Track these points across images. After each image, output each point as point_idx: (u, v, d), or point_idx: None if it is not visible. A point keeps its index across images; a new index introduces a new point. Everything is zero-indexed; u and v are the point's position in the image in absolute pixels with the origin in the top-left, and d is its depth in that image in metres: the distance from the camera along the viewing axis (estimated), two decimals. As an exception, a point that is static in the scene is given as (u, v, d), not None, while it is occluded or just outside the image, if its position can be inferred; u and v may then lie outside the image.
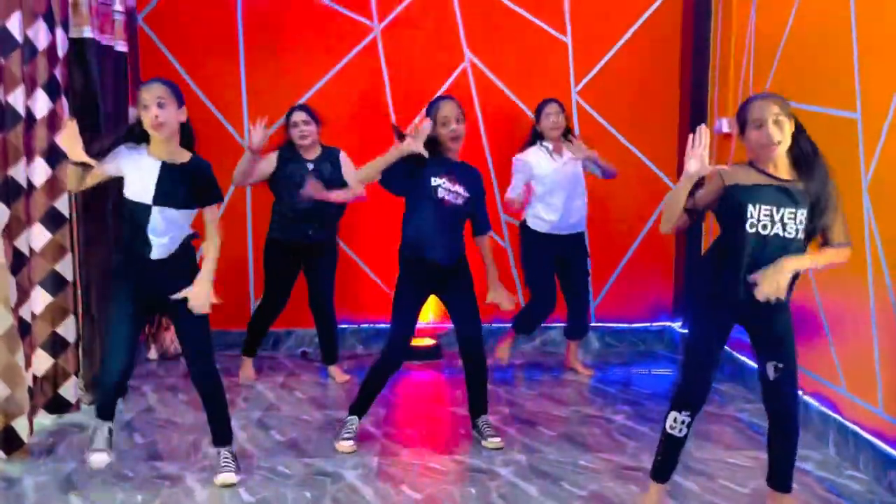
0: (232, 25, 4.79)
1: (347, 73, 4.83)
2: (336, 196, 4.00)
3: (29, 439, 3.21)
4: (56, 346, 3.53)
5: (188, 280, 2.85)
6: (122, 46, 4.15)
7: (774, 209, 2.42)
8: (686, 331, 2.68)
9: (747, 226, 2.42)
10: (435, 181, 3.20)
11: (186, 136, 2.86)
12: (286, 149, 4.13)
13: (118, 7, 4.07)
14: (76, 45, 3.73)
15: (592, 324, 5.02)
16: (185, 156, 2.84)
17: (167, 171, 2.77)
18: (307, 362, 4.70)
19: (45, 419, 3.55)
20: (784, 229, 2.42)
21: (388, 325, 3.38)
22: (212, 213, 2.89)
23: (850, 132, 3.12)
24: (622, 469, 3.10)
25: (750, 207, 2.42)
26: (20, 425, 3.16)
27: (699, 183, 2.48)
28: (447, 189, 3.21)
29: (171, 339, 4.76)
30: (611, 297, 5.04)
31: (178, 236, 2.85)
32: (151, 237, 2.77)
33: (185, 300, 2.81)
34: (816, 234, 2.47)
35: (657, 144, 4.92)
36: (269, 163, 4.09)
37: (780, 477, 2.66)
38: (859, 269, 3.06)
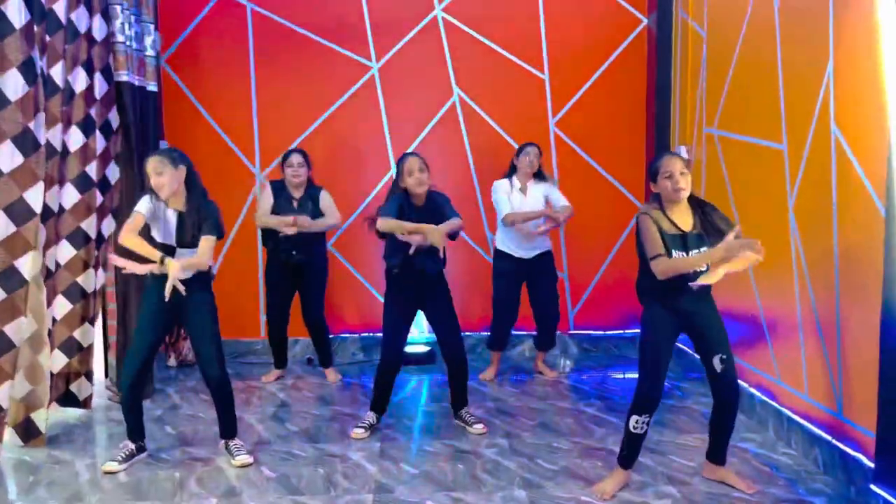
0: (244, 66, 5.35)
1: (349, 107, 5.40)
2: (312, 224, 4.58)
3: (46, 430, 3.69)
4: (72, 348, 4.05)
5: (204, 292, 3.43)
6: (153, 87, 4.70)
7: (684, 254, 2.97)
8: (640, 341, 3.19)
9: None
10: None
11: (191, 184, 3.39)
12: (277, 183, 4.68)
13: (150, 52, 4.63)
14: (118, 87, 4.28)
15: (571, 332, 5.57)
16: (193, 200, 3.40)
17: (182, 218, 3.36)
18: (313, 368, 5.20)
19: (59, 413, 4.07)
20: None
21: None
22: (206, 242, 3.36)
23: (778, 160, 3.68)
24: (589, 449, 3.62)
25: (673, 251, 2.96)
26: (39, 417, 3.66)
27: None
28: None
29: (188, 347, 5.26)
30: (588, 307, 5.58)
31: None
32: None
33: (199, 306, 3.38)
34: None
35: (626, 169, 5.49)
36: (269, 196, 4.65)
37: (719, 452, 3.19)
38: (788, 280, 3.60)
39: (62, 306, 3.98)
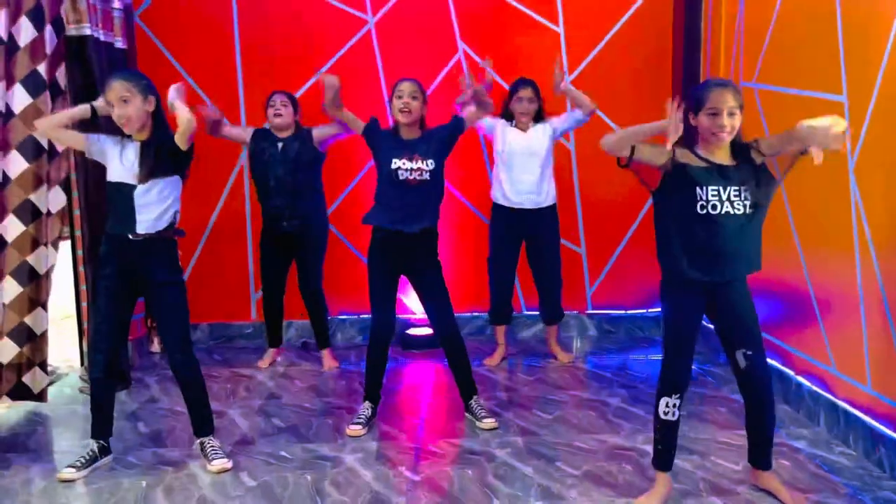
0: (227, 20, 4.84)
1: (342, 67, 4.87)
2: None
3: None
4: (23, 336, 3.60)
5: (167, 268, 2.95)
6: (121, 44, 4.20)
7: (721, 189, 2.47)
8: (662, 318, 2.71)
9: (697, 207, 2.47)
10: (395, 163, 3.27)
11: (159, 124, 2.92)
12: (261, 130, 4.25)
13: (116, 4, 4.13)
14: (76, 42, 3.79)
15: (588, 311, 5.10)
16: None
17: (145, 148, 2.88)
18: (308, 353, 4.76)
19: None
20: (732, 206, 2.47)
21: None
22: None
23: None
24: (616, 449, 3.16)
25: (698, 189, 2.46)
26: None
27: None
28: (408, 169, 3.27)
29: (172, 331, 4.82)
30: (607, 285, 5.10)
31: (163, 213, 2.92)
32: (137, 215, 2.87)
33: (162, 286, 2.93)
34: (762, 203, 2.51)
35: (650, 132, 4.96)
36: (246, 132, 4.26)
37: (760, 456, 2.73)
38: (847, 250, 3.11)
39: (10, 289, 3.53)
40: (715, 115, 2.47)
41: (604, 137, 2.56)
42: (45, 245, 3.64)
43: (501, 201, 4.25)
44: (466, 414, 3.51)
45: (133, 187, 2.87)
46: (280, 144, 4.16)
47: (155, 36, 4.82)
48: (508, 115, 4.27)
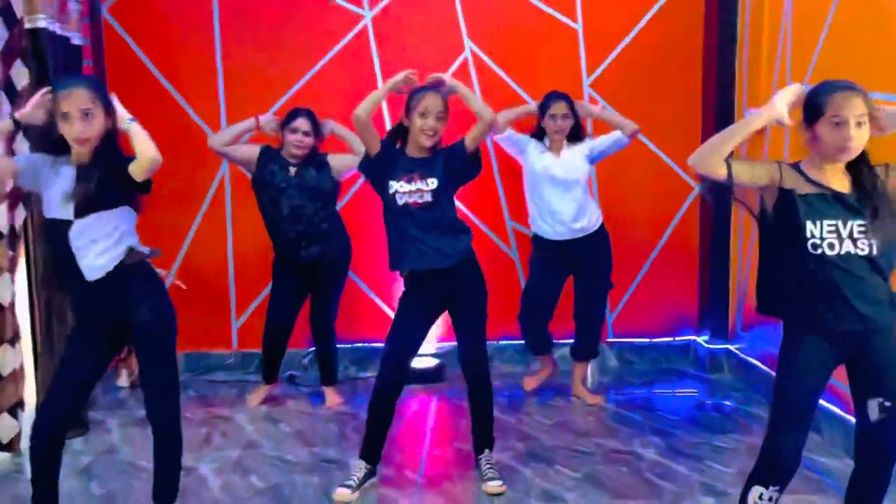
0: (207, 16, 4.33)
1: (335, 67, 4.37)
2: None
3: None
4: None
5: (152, 306, 2.41)
6: (77, 39, 3.69)
7: (840, 224, 2.00)
8: (776, 378, 2.16)
9: (809, 246, 2.00)
10: (392, 187, 2.81)
11: (109, 145, 2.33)
12: (271, 149, 3.74)
13: (73, -5, 3.62)
14: (30, 35, 3.29)
15: (609, 339, 4.58)
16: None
17: (84, 173, 2.28)
18: (294, 388, 4.24)
19: None
20: (855, 246, 1.99)
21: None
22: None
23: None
24: (660, 522, 2.64)
25: (810, 224, 2.00)
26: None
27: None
28: (406, 192, 2.80)
29: (143, 363, 4.28)
30: (629, 309, 4.58)
31: (112, 249, 2.34)
32: (79, 260, 2.30)
33: (148, 338, 2.42)
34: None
35: (678, 141, 4.44)
36: (251, 151, 3.72)
37: None
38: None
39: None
40: (839, 126, 1.98)
41: (693, 154, 2.07)
42: (10, 272, 3.13)
43: (540, 232, 3.78)
44: (476, 468, 2.98)
45: (69, 223, 2.27)
46: (293, 169, 3.66)
47: (125, 32, 4.30)
48: (541, 133, 3.79)
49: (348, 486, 2.83)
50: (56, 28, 3.42)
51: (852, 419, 2.96)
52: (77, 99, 2.23)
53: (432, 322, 2.98)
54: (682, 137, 4.44)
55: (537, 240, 3.84)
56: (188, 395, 4.12)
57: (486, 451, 2.99)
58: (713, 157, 2.04)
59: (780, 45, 3.74)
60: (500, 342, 4.39)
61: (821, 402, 2.64)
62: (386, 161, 2.85)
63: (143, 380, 2.55)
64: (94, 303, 2.36)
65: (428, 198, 2.79)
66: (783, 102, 2.04)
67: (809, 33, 3.43)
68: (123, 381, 4.27)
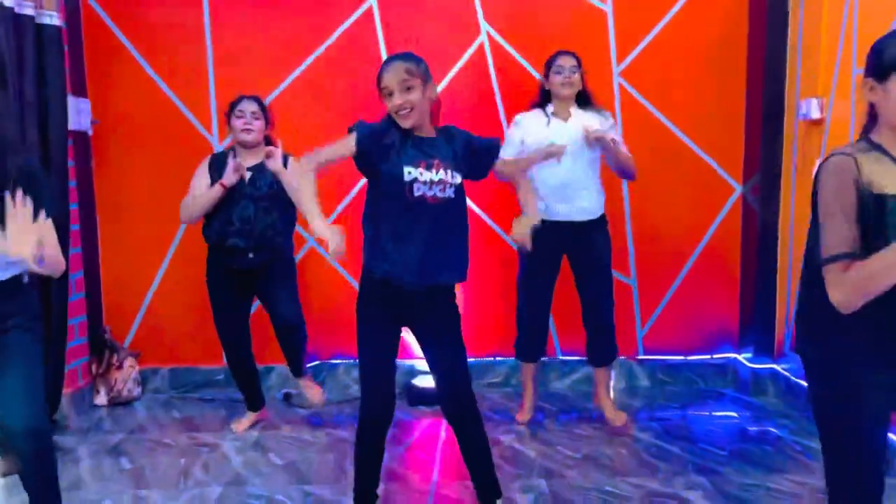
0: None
1: (338, 52, 3.94)
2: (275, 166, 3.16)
3: None
4: None
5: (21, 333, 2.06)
6: (50, 19, 3.28)
7: None
8: (826, 421, 1.69)
9: None
10: (410, 173, 2.23)
11: None
12: (217, 158, 3.34)
13: (40, -34, 3.21)
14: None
15: (639, 356, 4.13)
16: None
17: None
18: (289, 408, 3.81)
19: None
20: None
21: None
22: (47, 230, 1.96)
23: None
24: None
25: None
26: None
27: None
28: (427, 182, 2.24)
29: (122, 378, 3.88)
30: (662, 323, 4.11)
31: None
32: None
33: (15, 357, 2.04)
34: None
35: (719, 136, 3.99)
36: (204, 172, 3.31)
37: None
38: None
39: None
40: None
41: (849, 297, 1.54)
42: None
43: (539, 213, 3.27)
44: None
45: None
46: (248, 175, 3.24)
47: (106, 14, 3.89)
48: (544, 99, 3.33)
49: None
50: (13, 4, 3.02)
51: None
52: None
53: (396, 337, 2.43)
54: (723, 133, 3.99)
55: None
56: (171, 417, 3.72)
57: (497, 501, 2.53)
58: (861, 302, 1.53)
59: (842, 28, 3.27)
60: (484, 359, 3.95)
61: None
62: (385, 139, 2.27)
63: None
64: None
65: (450, 193, 2.28)
66: None
67: (880, 13, 2.96)
68: (102, 399, 3.87)
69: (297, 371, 3.58)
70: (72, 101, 3.58)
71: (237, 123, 3.26)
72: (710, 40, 3.93)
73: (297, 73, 3.94)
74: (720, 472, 2.98)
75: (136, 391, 3.95)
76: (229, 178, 3.19)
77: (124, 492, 2.84)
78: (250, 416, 3.56)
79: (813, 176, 1.67)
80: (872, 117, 1.64)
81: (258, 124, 3.27)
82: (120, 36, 3.90)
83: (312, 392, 3.63)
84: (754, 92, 3.91)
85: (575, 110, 3.31)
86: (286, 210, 3.31)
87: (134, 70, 3.91)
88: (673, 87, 3.95)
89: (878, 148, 1.60)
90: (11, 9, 2.99)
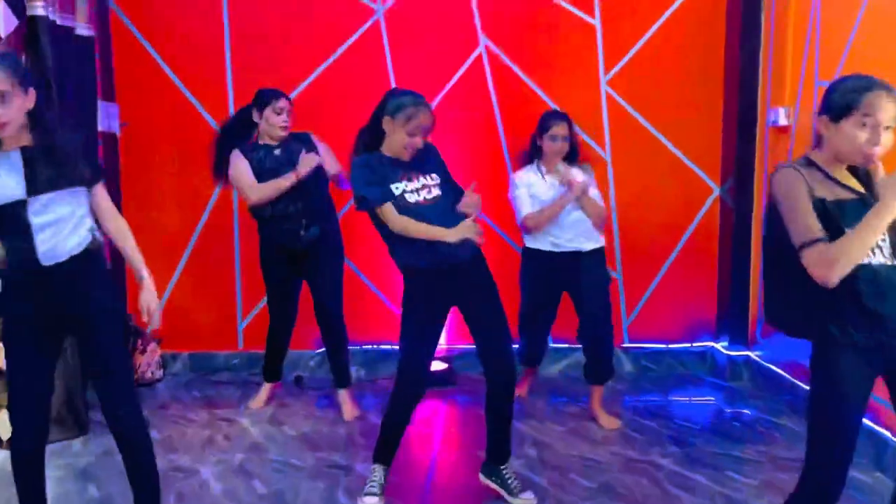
0: (216, 10, 4.24)
1: (347, 61, 4.27)
2: (316, 160, 3.46)
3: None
4: None
5: (99, 290, 2.27)
6: (85, 30, 3.61)
7: None
8: (815, 402, 1.94)
9: None
10: (397, 188, 2.64)
11: (39, 114, 2.16)
12: (246, 149, 3.53)
13: (78, -17, 3.54)
14: (30, 23, 3.22)
15: (624, 344, 4.45)
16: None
17: (29, 155, 2.12)
18: (301, 390, 4.13)
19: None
20: (883, 253, 1.85)
21: (395, 347, 2.82)
22: (103, 200, 2.31)
23: None
24: (681, 535, 2.51)
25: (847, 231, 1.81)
26: None
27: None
28: (414, 190, 2.65)
29: (145, 362, 4.20)
30: (645, 314, 4.45)
31: (72, 232, 2.21)
32: (36, 238, 2.14)
33: (94, 315, 2.24)
34: None
35: (699, 141, 4.33)
36: (244, 163, 3.49)
37: None
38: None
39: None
40: (871, 130, 1.82)
41: (833, 270, 1.79)
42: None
43: (537, 245, 3.57)
44: (489, 481, 2.84)
45: (24, 202, 2.12)
46: (277, 150, 3.50)
47: (132, 24, 4.22)
48: (535, 153, 3.56)
49: (373, 493, 2.70)
50: (56, 17, 3.34)
51: (884, 432, 2.85)
52: None
53: (444, 322, 2.81)
54: (702, 137, 4.32)
55: (530, 253, 3.61)
56: (192, 396, 4.03)
57: (506, 462, 2.85)
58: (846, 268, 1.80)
59: (806, 44, 3.61)
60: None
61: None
62: (374, 169, 2.67)
63: (97, 381, 2.35)
64: (44, 291, 2.19)
65: (437, 192, 2.68)
66: None
67: (839, 30, 3.30)
68: (126, 380, 4.18)
69: (343, 382, 3.73)
70: (102, 106, 3.90)
71: (277, 119, 3.47)
72: (690, 53, 4.27)
73: (309, 80, 4.26)
74: (692, 444, 3.31)
75: (159, 373, 4.26)
76: (305, 169, 3.40)
77: (158, 455, 3.13)
78: (266, 388, 3.83)
79: (767, 186, 1.98)
80: (819, 141, 1.95)
81: (290, 120, 3.53)
82: (146, 45, 4.22)
83: (347, 407, 3.68)
84: (731, 100, 4.24)
85: (562, 168, 3.50)
86: (321, 175, 3.50)
87: (159, 77, 4.24)
88: (656, 94, 4.28)
89: (813, 165, 1.92)
90: (54, 21, 3.31)
